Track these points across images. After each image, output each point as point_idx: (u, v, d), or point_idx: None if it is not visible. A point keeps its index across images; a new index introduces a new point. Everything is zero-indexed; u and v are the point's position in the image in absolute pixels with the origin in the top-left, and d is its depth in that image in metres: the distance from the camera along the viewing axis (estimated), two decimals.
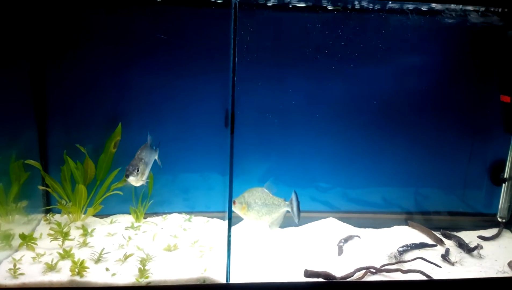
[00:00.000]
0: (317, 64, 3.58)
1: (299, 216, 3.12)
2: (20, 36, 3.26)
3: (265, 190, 3.16)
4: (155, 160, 3.38)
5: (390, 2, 3.27)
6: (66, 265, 2.84)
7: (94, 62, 3.45)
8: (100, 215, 3.60)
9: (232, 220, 2.87)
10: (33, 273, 2.76)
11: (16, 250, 3.03)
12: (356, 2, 3.29)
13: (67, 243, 3.11)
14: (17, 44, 3.23)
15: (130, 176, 3.00)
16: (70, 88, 3.48)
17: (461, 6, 3.21)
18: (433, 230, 3.66)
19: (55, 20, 3.35)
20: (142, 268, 2.81)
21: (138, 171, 3.02)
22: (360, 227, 3.76)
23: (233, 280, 2.86)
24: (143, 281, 2.76)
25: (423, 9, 3.37)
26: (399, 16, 3.47)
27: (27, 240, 3.05)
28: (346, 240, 3.49)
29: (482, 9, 3.26)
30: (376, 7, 3.36)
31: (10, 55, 3.12)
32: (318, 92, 3.65)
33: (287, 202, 3.13)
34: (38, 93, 3.45)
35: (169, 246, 3.16)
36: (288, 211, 3.14)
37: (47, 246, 3.08)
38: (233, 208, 3.13)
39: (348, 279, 2.95)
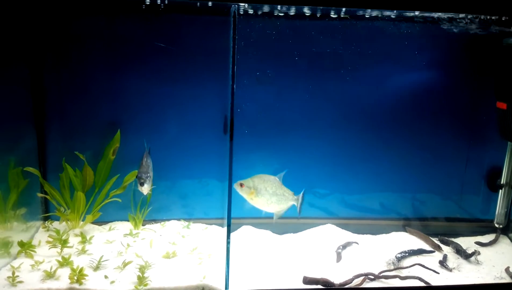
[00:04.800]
0: (315, 70, 3.60)
1: (300, 211, 3.26)
2: (19, 42, 3.27)
3: (278, 180, 3.22)
4: None
5: (387, 10, 3.29)
6: (65, 272, 2.84)
7: (93, 69, 3.46)
8: (99, 222, 3.59)
9: (231, 227, 2.88)
10: (32, 281, 2.76)
11: (15, 258, 3.03)
12: (353, 10, 3.31)
13: (65, 250, 3.11)
14: (16, 50, 3.24)
15: (144, 184, 3.04)
16: (69, 95, 3.49)
17: (458, 14, 3.24)
18: (431, 236, 3.67)
19: (54, 26, 3.36)
20: (141, 275, 2.81)
21: (149, 178, 3.06)
22: (359, 233, 3.77)
23: (232, 287, 2.86)
24: (142, 289, 2.76)
25: (421, 16, 3.40)
26: (397, 23, 3.50)
27: (26, 247, 3.05)
28: (344, 246, 3.50)
29: (479, 17, 3.28)
30: (373, 14, 3.38)
31: (8, 61, 3.13)
32: (317, 99, 3.67)
33: (296, 197, 3.22)
34: (37, 100, 3.46)
35: (168, 253, 3.16)
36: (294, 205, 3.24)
37: (46, 254, 3.08)
38: (239, 190, 3.18)
39: (347, 286, 2.95)
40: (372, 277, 3.05)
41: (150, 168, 3.14)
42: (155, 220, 3.70)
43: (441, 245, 3.58)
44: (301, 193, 3.23)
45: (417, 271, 3.16)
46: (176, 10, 3.38)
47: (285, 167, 3.74)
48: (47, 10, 3.31)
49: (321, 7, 3.18)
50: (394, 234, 3.81)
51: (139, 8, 3.33)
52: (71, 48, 3.41)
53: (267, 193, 3.18)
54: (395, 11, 3.26)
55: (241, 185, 3.18)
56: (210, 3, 3.06)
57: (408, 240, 3.70)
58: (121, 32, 3.42)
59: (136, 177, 3.07)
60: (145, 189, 3.06)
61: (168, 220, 3.74)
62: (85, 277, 2.79)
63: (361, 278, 3.02)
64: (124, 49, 3.46)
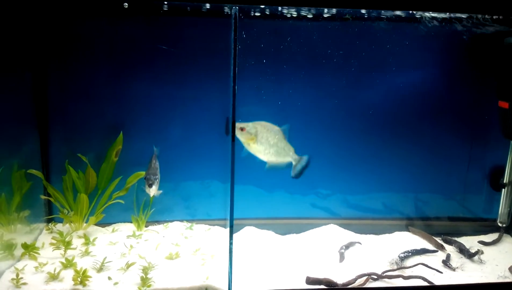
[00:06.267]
0: (316, 71, 3.61)
1: (297, 175, 3.20)
2: (22, 46, 3.28)
3: (281, 132, 3.16)
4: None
5: (388, 11, 3.30)
6: (68, 274, 2.85)
7: (95, 71, 3.48)
8: (102, 224, 3.61)
9: (233, 227, 2.88)
10: (35, 283, 2.77)
11: (19, 260, 3.04)
12: (353, 11, 3.32)
13: (69, 252, 3.12)
14: (19, 54, 3.26)
15: (153, 185, 3.07)
16: (72, 97, 3.51)
17: (460, 14, 3.24)
18: (434, 236, 3.67)
19: (57, 29, 3.38)
20: (144, 276, 2.82)
21: (157, 180, 3.11)
22: (361, 233, 3.77)
23: (235, 288, 2.86)
24: None
25: (421, 16, 3.40)
26: (398, 23, 3.51)
27: (30, 249, 3.06)
28: (347, 246, 3.50)
29: (481, 16, 3.28)
30: (373, 15, 3.38)
31: (12, 64, 3.15)
32: (318, 99, 3.68)
33: (296, 156, 3.17)
34: (40, 103, 3.48)
35: (171, 254, 3.16)
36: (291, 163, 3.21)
37: (50, 256, 3.09)
38: (238, 134, 3.07)
39: (350, 286, 2.95)
40: (375, 277, 3.05)
41: (158, 170, 3.17)
42: (158, 222, 3.71)
43: (444, 245, 3.58)
44: (304, 157, 3.16)
45: (420, 270, 3.16)
46: (177, 12, 3.39)
47: (286, 168, 3.76)
48: (49, 13, 3.33)
49: (321, 8, 3.19)
50: (397, 234, 3.80)
51: (141, 11, 3.35)
52: (74, 51, 3.43)
53: (267, 143, 3.10)
54: (395, 12, 3.26)
55: (242, 129, 3.05)
56: (208, 5, 3.09)
57: (411, 240, 3.69)
58: (123, 34, 3.44)
59: (144, 178, 3.11)
60: (153, 190, 3.08)
61: (171, 221, 3.74)
62: (89, 278, 2.80)
63: (364, 278, 3.02)
64: (126, 52, 3.48)
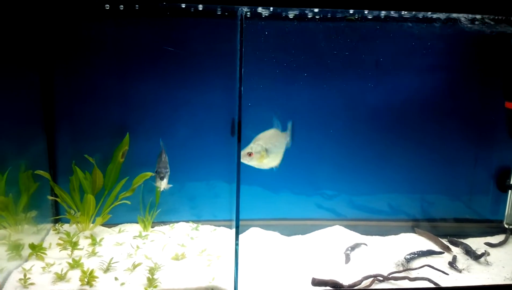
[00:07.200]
0: (322, 72, 3.61)
1: (291, 142, 3.28)
2: (29, 48, 3.31)
3: (277, 130, 3.18)
4: None
5: (391, 11, 3.29)
6: (75, 274, 2.87)
7: (102, 72, 3.50)
8: (108, 224, 3.63)
9: (239, 228, 2.89)
10: (43, 283, 2.79)
11: (26, 260, 3.06)
12: (358, 12, 3.31)
13: (76, 252, 3.14)
14: (26, 55, 3.28)
15: (164, 178, 3.11)
16: (79, 98, 3.53)
17: (465, 14, 3.23)
18: (440, 237, 3.66)
19: (64, 31, 3.40)
20: (150, 277, 2.83)
21: (168, 173, 3.15)
22: (367, 234, 3.76)
23: (241, 289, 2.87)
24: None
25: (427, 16, 3.39)
26: (403, 24, 3.50)
27: (37, 250, 3.08)
28: (353, 248, 3.50)
29: (486, 17, 3.27)
30: (378, 15, 3.38)
31: (19, 66, 3.17)
32: (323, 100, 3.68)
33: (286, 133, 3.24)
34: (47, 104, 3.50)
35: (177, 255, 3.18)
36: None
37: (57, 256, 3.11)
38: (247, 160, 2.97)
39: (356, 287, 2.95)
40: (381, 278, 3.04)
41: (168, 163, 3.21)
42: (164, 222, 3.73)
43: (451, 246, 3.56)
44: (288, 125, 3.21)
45: (426, 272, 3.15)
46: (183, 13, 3.39)
47: (292, 169, 3.76)
48: (56, 15, 3.35)
49: (327, 9, 3.18)
50: (403, 235, 3.80)
51: (147, 12, 3.36)
52: (80, 52, 3.45)
53: (275, 148, 3.06)
54: (400, 12, 3.25)
55: (250, 154, 2.94)
56: (219, 9, 3.10)
57: (417, 241, 3.69)
58: (129, 36, 3.45)
59: (155, 172, 3.13)
60: (164, 183, 3.12)
61: (177, 222, 3.76)
62: (96, 279, 2.81)
63: (370, 279, 3.02)
64: (132, 53, 3.49)
